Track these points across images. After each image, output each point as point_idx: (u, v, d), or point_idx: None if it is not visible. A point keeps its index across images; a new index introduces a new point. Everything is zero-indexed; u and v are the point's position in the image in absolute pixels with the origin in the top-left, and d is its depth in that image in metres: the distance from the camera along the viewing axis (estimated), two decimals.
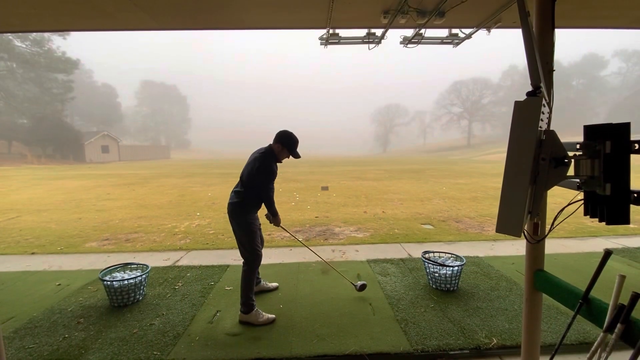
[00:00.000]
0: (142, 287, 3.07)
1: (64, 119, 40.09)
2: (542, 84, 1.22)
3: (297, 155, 2.78)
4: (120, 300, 2.94)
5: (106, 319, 2.74)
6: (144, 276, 3.06)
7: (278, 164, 2.81)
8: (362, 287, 3.17)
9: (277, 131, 2.80)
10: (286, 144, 2.73)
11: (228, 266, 3.94)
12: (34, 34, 33.42)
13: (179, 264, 4.12)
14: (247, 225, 2.71)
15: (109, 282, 2.90)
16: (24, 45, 34.99)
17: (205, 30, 3.42)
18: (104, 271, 3.06)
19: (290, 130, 2.80)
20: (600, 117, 55.03)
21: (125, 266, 3.23)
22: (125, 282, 2.93)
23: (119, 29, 3.30)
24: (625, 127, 1.10)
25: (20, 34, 32.23)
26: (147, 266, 3.21)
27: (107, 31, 3.36)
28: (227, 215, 2.78)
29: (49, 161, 33.00)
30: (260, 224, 2.97)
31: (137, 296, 3.04)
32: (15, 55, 34.60)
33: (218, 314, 2.82)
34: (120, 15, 2.88)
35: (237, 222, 2.72)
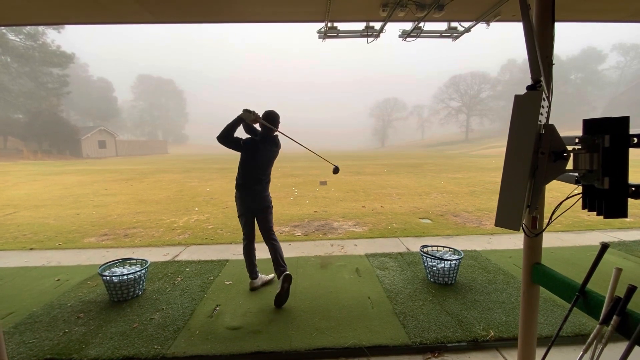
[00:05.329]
0: (141, 282, 3.08)
1: (59, 113, 39.65)
2: (542, 78, 1.21)
3: (268, 125, 2.98)
4: (120, 295, 2.95)
5: (106, 314, 2.75)
6: (143, 271, 3.07)
7: (271, 145, 3.06)
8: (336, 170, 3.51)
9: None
10: (264, 115, 3.02)
11: (227, 261, 3.95)
12: (28, 27, 32.94)
13: (178, 258, 4.13)
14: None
15: (108, 277, 2.90)
16: (17, 39, 34.49)
17: (201, 24, 3.39)
18: (103, 266, 3.06)
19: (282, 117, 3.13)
20: (597, 112, 55.04)
21: (124, 261, 3.23)
22: (125, 277, 2.93)
23: (115, 22, 3.26)
24: (624, 121, 1.10)
25: (13, 27, 31.75)
26: (146, 261, 3.21)
27: (102, 24, 3.33)
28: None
29: (45, 156, 32.76)
30: (256, 211, 3.11)
31: (137, 291, 3.05)
32: (9, 49, 34.09)
33: (218, 308, 2.84)
34: (115, 7, 2.84)
35: None
